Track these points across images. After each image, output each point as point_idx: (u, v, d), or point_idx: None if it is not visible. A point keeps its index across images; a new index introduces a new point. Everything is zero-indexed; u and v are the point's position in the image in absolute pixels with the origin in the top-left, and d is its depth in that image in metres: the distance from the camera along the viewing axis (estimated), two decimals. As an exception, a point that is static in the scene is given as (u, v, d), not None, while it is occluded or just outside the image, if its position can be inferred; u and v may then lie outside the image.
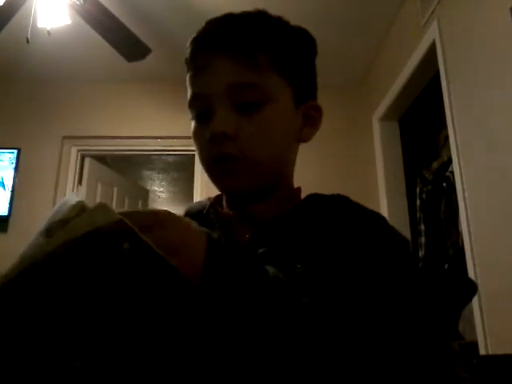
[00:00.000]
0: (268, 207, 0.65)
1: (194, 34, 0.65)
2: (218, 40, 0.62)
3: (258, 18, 0.65)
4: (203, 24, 0.66)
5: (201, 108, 0.63)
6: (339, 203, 0.65)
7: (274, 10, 0.68)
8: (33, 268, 0.36)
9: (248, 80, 0.61)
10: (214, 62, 0.61)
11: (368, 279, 0.52)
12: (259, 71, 0.61)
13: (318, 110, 0.69)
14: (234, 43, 0.61)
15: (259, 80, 0.61)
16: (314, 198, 0.67)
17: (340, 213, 0.62)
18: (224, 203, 0.70)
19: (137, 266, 0.36)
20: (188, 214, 0.72)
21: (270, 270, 0.47)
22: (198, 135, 0.64)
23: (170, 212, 0.44)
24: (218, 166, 0.62)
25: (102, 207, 0.37)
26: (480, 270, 1.89)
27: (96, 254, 0.36)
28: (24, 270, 0.36)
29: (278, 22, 0.67)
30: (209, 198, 0.72)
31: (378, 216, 0.63)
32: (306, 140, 0.69)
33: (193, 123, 0.65)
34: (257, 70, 0.61)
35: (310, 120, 0.68)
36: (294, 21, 0.70)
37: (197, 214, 0.70)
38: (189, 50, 0.65)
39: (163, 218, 0.42)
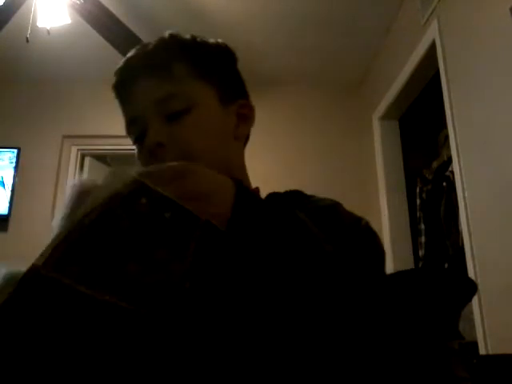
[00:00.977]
0: None
1: (116, 67, 0.70)
2: (135, 66, 0.68)
3: (169, 39, 0.70)
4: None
5: (137, 131, 0.66)
6: (295, 197, 0.68)
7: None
8: (68, 239, 0.38)
9: (168, 92, 0.65)
10: (136, 85, 0.66)
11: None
12: (177, 81, 0.66)
13: (249, 108, 0.74)
14: (148, 63, 0.67)
15: (178, 89, 0.65)
16: (271, 196, 0.70)
17: (296, 207, 0.64)
18: None
19: (154, 218, 0.38)
20: None
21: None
22: (140, 157, 0.67)
23: (188, 163, 0.46)
24: None
25: (116, 172, 0.39)
26: (480, 269, 1.89)
27: (117, 217, 0.38)
28: (58, 243, 0.38)
29: (191, 38, 0.72)
30: None
31: (331, 203, 0.66)
32: (242, 136, 0.73)
33: (135, 148, 0.68)
34: (174, 81, 0.66)
35: (242, 118, 0.72)
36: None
37: None
38: (113, 82, 0.70)
39: (181, 170, 0.44)
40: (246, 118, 0.73)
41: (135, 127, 0.67)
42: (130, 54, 0.70)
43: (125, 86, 0.68)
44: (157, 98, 0.64)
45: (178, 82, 0.66)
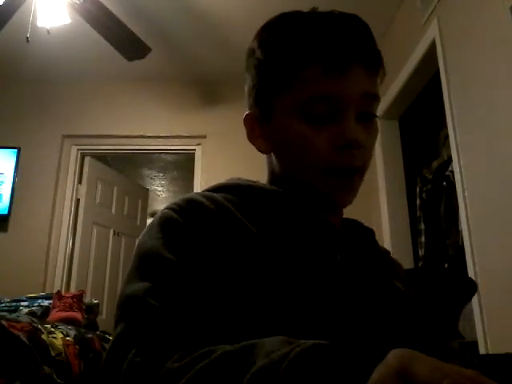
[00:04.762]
0: (337, 218, 0.67)
1: (328, 36, 0.59)
2: (355, 49, 0.60)
3: (367, 27, 0.63)
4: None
5: (321, 110, 0.59)
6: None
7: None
8: None
9: (376, 92, 0.62)
10: (352, 69, 0.59)
11: None
12: (379, 85, 0.63)
13: None
14: (368, 54, 0.61)
15: (379, 93, 0.62)
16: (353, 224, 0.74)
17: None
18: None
19: None
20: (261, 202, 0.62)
21: None
22: (310, 138, 0.59)
23: None
24: (340, 179, 0.60)
25: None
26: (480, 269, 1.89)
27: None
28: None
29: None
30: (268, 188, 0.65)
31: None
32: None
33: (293, 123, 0.60)
34: (378, 84, 0.63)
35: None
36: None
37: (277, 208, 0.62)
38: (323, 50, 0.59)
39: None
40: None
41: (322, 105, 0.59)
42: (344, 30, 0.60)
43: (337, 61, 0.58)
44: (366, 92, 0.60)
45: (378, 85, 0.62)
